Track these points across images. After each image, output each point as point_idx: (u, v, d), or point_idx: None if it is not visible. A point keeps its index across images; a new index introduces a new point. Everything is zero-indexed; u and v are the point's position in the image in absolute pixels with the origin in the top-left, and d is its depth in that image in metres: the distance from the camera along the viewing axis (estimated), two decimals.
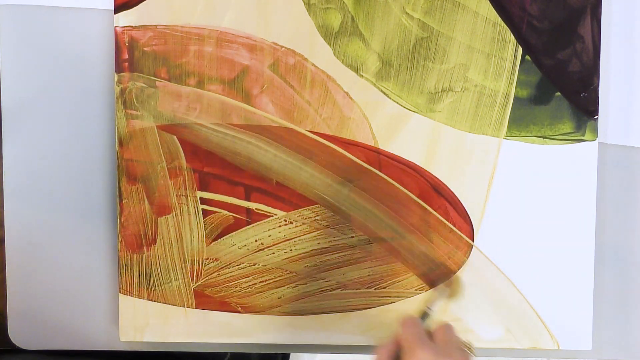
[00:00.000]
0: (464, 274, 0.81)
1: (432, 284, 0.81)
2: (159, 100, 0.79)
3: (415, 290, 0.81)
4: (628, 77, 0.82)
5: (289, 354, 1.16)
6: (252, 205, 0.80)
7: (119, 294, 0.81)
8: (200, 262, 0.81)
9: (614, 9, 0.81)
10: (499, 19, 0.79)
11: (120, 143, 0.80)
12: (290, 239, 0.81)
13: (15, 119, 0.81)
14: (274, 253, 0.81)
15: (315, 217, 0.80)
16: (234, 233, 0.81)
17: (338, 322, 0.81)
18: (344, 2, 0.79)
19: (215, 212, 0.80)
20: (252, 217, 0.80)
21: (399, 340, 0.70)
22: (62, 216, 0.81)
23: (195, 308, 0.81)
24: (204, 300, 0.81)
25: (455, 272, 0.81)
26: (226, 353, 0.97)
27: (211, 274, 0.81)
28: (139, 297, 0.81)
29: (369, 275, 0.81)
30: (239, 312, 0.81)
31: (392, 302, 0.82)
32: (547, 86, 0.80)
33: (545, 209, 0.81)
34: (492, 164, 0.81)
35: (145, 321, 0.81)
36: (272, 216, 0.81)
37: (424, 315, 0.76)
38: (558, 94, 0.80)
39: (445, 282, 0.81)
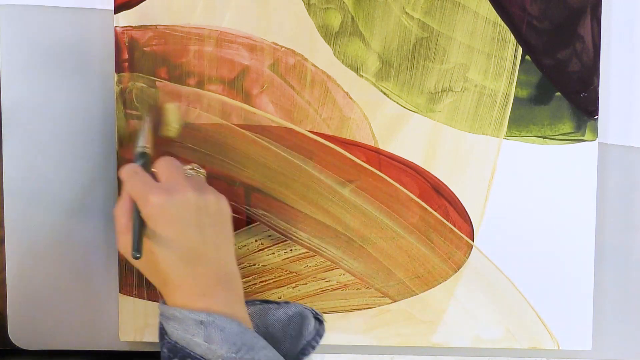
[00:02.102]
0: (464, 274, 0.81)
1: (426, 284, 0.82)
2: (159, 100, 0.79)
3: (416, 290, 0.81)
4: (628, 77, 0.82)
5: None
6: (252, 206, 0.80)
7: (119, 294, 0.81)
8: None
9: (614, 9, 0.81)
10: (499, 19, 0.79)
11: (120, 143, 0.80)
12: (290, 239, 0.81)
13: (15, 119, 0.81)
14: (274, 253, 0.81)
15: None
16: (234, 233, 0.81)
17: (338, 322, 0.81)
18: (344, 2, 0.79)
19: None
20: (252, 217, 0.80)
21: (128, 193, 0.67)
22: (62, 216, 0.81)
23: None
24: None
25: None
26: None
27: None
28: (139, 297, 0.81)
29: (368, 275, 0.81)
30: None
31: (392, 302, 0.82)
32: (547, 86, 0.80)
33: (545, 209, 0.81)
34: (492, 164, 0.81)
35: (145, 321, 0.81)
36: (273, 217, 0.81)
37: (139, 156, 0.72)
38: (558, 94, 0.80)
39: (147, 110, 0.78)
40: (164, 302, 0.67)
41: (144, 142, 0.73)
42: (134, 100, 0.79)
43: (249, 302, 0.70)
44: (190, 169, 0.72)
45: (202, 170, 0.73)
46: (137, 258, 0.64)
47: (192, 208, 0.66)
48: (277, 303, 0.73)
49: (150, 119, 0.77)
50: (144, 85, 0.79)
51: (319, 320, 0.73)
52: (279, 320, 0.71)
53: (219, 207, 0.68)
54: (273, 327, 0.71)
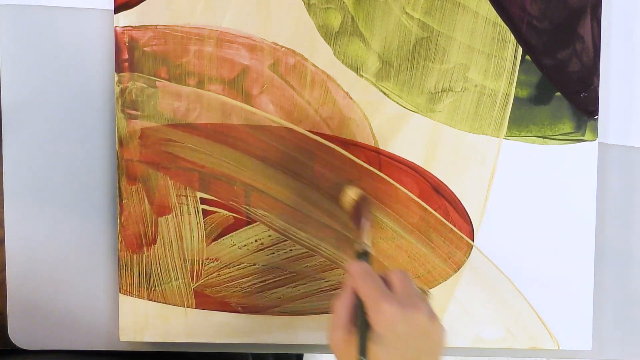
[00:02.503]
0: (464, 274, 0.81)
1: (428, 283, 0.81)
2: (159, 100, 0.79)
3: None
4: (628, 77, 0.82)
5: (302, 354, 1.16)
6: (252, 206, 0.80)
7: (119, 294, 0.81)
8: (200, 262, 0.81)
9: (614, 9, 0.81)
10: (499, 19, 0.79)
11: (120, 143, 0.80)
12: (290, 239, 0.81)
13: (15, 119, 0.81)
14: (273, 253, 0.81)
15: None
16: (234, 233, 0.81)
17: None
18: (344, 2, 0.79)
19: (215, 212, 0.80)
20: (252, 217, 0.80)
21: (355, 292, 0.66)
22: (62, 216, 0.81)
23: (195, 308, 0.81)
24: (204, 300, 0.81)
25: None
26: (248, 354, 0.96)
27: (211, 274, 0.81)
28: (139, 297, 0.81)
29: None
30: (239, 312, 0.81)
31: None
32: (547, 86, 0.80)
33: (545, 209, 0.81)
34: (492, 164, 0.81)
35: (145, 321, 0.81)
36: (271, 216, 0.81)
37: (364, 255, 0.71)
38: (558, 94, 0.80)
39: (369, 206, 0.77)
40: None
41: (368, 241, 0.72)
42: (134, 100, 0.79)
43: None
44: (422, 291, 0.70)
45: (431, 294, 0.72)
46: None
47: (420, 331, 0.65)
48: None
49: (370, 217, 0.76)
50: (144, 85, 0.79)
51: None
52: None
53: (441, 339, 0.67)
54: None
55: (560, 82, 0.80)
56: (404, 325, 0.64)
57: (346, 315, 0.66)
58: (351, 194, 0.78)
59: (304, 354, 1.15)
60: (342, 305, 0.67)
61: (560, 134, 0.80)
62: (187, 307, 0.81)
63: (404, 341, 0.64)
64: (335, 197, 0.80)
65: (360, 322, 0.65)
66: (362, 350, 0.64)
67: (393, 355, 0.65)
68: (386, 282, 0.67)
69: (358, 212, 0.77)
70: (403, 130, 0.80)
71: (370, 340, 0.64)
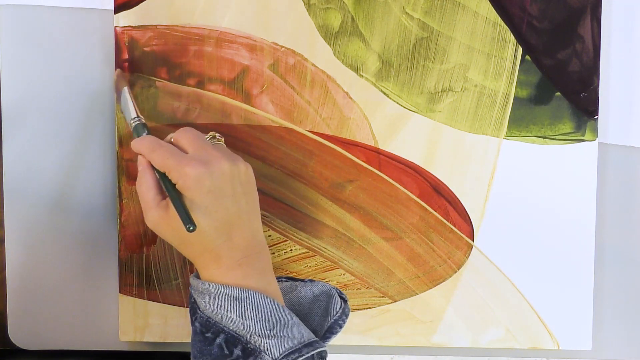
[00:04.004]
0: (464, 274, 0.81)
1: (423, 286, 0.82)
2: (159, 100, 0.79)
3: (416, 290, 0.81)
4: (628, 77, 0.82)
5: None
6: None
7: (119, 294, 0.81)
8: None
9: (614, 9, 0.81)
10: (499, 19, 0.79)
11: (120, 143, 0.80)
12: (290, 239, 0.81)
13: (15, 119, 0.81)
14: (274, 253, 0.81)
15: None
16: None
17: None
18: (344, 2, 0.79)
19: None
20: None
21: (152, 165, 0.66)
22: (62, 216, 0.81)
23: None
24: None
25: None
26: None
27: None
28: (138, 297, 0.81)
29: (368, 275, 0.81)
30: None
31: (392, 302, 0.82)
32: (547, 86, 0.80)
33: (545, 209, 0.81)
34: (492, 164, 0.81)
35: (145, 321, 0.81)
36: (272, 217, 0.81)
37: (141, 127, 0.71)
38: (558, 94, 0.80)
39: (121, 81, 0.76)
40: (197, 276, 0.67)
41: (137, 113, 0.72)
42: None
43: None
44: (211, 138, 0.70)
45: (222, 138, 0.71)
46: (192, 230, 0.63)
47: (228, 178, 0.66)
48: (303, 281, 0.72)
49: (129, 89, 0.75)
50: (144, 85, 0.79)
51: (344, 300, 0.72)
52: (306, 298, 0.71)
53: (248, 175, 0.68)
54: (300, 304, 0.71)
55: (560, 82, 0.80)
56: (212, 179, 0.65)
57: (153, 193, 0.66)
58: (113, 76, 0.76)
59: None
60: (145, 185, 0.67)
61: (560, 134, 0.80)
62: (187, 307, 0.81)
63: (218, 195, 0.65)
64: (335, 196, 0.80)
65: (171, 194, 0.65)
66: (188, 219, 0.63)
67: (215, 213, 0.65)
68: (176, 145, 0.67)
69: (116, 87, 0.76)
70: (403, 130, 0.80)
71: (189, 208, 0.64)
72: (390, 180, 0.80)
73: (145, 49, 0.79)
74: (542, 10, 0.79)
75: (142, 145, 0.68)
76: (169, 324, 0.81)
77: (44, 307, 0.82)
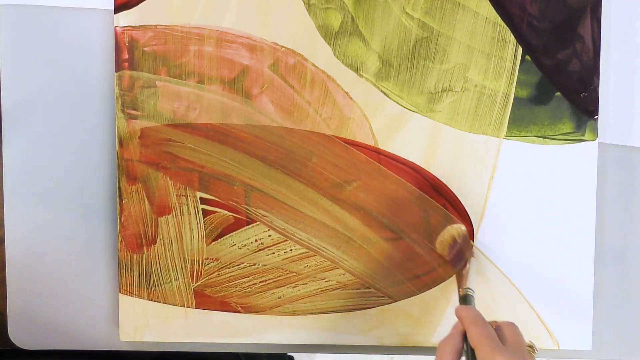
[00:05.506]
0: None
1: (426, 285, 0.81)
2: (159, 100, 0.79)
3: (416, 290, 0.81)
4: (628, 77, 0.82)
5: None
6: (252, 206, 0.80)
7: (119, 294, 0.81)
8: (200, 262, 0.81)
9: (614, 9, 0.81)
10: (499, 19, 0.79)
11: (120, 143, 0.80)
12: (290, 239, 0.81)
13: (15, 119, 0.81)
14: (274, 253, 0.81)
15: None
16: (234, 233, 0.81)
17: (338, 322, 0.81)
18: (344, 2, 0.79)
19: (215, 212, 0.80)
20: (252, 217, 0.80)
21: (464, 335, 0.67)
22: (62, 216, 0.81)
23: (195, 308, 0.81)
24: (204, 300, 0.81)
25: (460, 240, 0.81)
26: (237, 353, 0.96)
27: (211, 274, 0.81)
28: (139, 297, 0.81)
29: (368, 275, 0.81)
30: (239, 312, 0.81)
31: (392, 302, 0.82)
32: (547, 86, 0.80)
33: (545, 209, 0.81)
34: (492, 164, 0.81)
35: (145, 321, 0.81)
36: (271, 217, 0.81)
37: (467, 299, 0.73)
38: (558, 94, 0.80)
39: (471, 252, 0.79)
40: None
41: (471, 285, 0.74)
42: (134, 100, 0.79)
43: None
44: (528, 346, 0.70)
45: (537, 351, 0.71)
46: None
47: None
48: None
49: (474, 260, 0.77)
50: (144, 85, 0.79)
51: None
52: None
53: None
54: None
55: (560, 82, 0.80)
56: None
57: (452, 358, 0.66)
58: (454, 233, 0.78)
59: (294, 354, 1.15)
60: (449, 348, 0.67)
61: (560, 134, 0.80)
62: (187, 307, 0.81)
63: None
64: (335, 196, 0.80)
65: None
66: None
67: None
68: (497, 332, 0.68)
69: (459, 254, 0.77)
70: (403, 130, 0.80)
71: None
72: (391, 180, 0.80)
73: (145, 48, 0.79)
74: (542, 10, 0.79)
75: (467, 314, 0.69)
76: (169, 324, 0.81)
77: (44, 307, 0.82)
